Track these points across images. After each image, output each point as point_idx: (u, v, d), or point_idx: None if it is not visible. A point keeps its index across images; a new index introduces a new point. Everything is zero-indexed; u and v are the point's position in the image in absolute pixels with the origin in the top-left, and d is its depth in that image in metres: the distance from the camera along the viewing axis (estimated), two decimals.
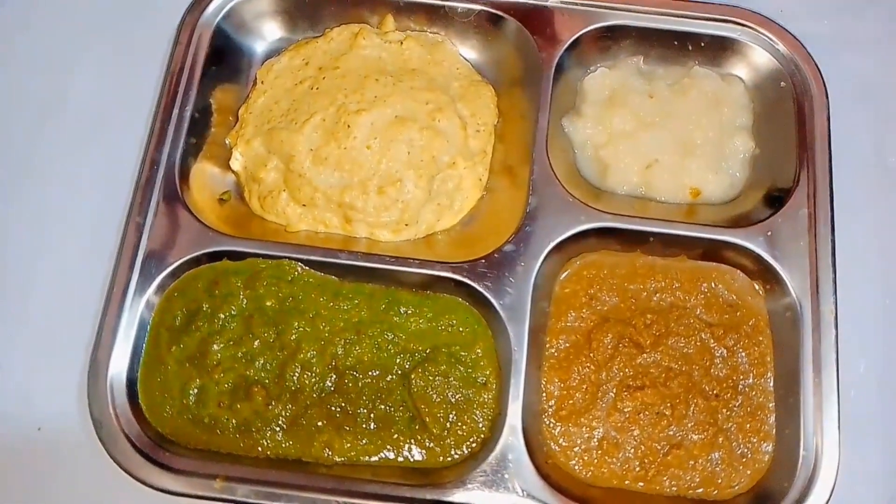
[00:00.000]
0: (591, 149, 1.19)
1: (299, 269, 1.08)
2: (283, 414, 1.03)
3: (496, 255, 1.08)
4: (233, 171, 1.20)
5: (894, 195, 1.21)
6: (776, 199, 1.14)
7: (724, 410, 1.05)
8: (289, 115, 1.18)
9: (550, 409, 1.05)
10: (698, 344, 1.07)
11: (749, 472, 1.03)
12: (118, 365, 1.04)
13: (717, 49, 1.23)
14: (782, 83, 1.20)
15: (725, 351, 1.07)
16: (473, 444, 1.03)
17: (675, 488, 1.03)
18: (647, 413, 1.05)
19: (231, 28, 1.23)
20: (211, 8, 1.21)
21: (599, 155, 1.18)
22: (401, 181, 1.14)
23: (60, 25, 1.30)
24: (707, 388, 1.06)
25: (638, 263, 1.12)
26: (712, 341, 1.08)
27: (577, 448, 1.04)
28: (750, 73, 1.23)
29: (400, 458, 1.03)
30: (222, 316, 1.06)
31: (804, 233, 1.10)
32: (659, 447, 1.04)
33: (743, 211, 1.16)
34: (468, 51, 1.26)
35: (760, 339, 1.08)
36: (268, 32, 1.26)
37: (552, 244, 1.09)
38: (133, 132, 1.18)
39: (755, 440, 1.04)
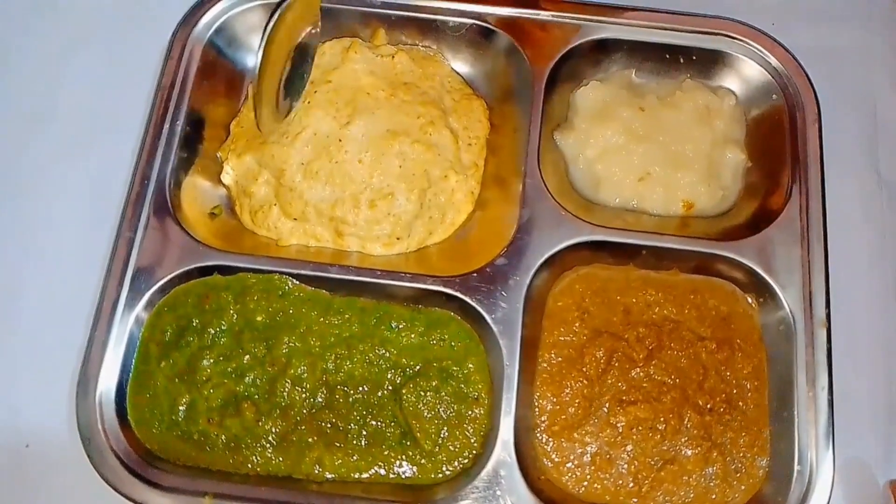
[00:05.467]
0: (583, 162, 1.19)
1: (290, 283, 1.08)
2: (273, 430, 1.02)
3: (488, 269, 1.08)
4: (224, 186, 1.19)
5: (887, 207, 1.21)
6: (769, 212, 1.14)
7: (718, 425, 1.04)
8: (280, 129, 1.18)
9: (543, 425, 1.05)
10: (691, 358, 1.07)
11: (743, 486, 1.03)
12: (107, 381, 1.03)
13: (708, 62, 1.23)
14: (774, 96, 1.20)
15: (719, 365, 1.07)
16: (465, 460, 1.02)
17: None
18: (640, 428, 1.04)
19: (223, 42, 1.23)
20: (203, 22, 1.21)
21: (591, 168, 1.18)
22: (392, 195, 1.13)
23: (51, 38, 1.30)
24: (700, 403, 1.05)
25: (631, 277, 1.12)
26: (705, 355, 1.07)
27: (570, 464, 1.03)
28: (742, 86, 1.23)
29: (391, 475, 1.02)
30: (212, 331, 1.06)
31: (797, 245, 1.10)
32: (652, 462, 1.03)
33: (736, 224, 1.16)
34: (460, 64, 1.26)
35: (754, 352, 1.07)
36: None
37: (544, 258, 1.09)
38: (124, 146, 1.18)
39: (749, 455, 1.03)
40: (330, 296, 1.08)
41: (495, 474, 0.99)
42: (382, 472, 1.02)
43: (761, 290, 1.09)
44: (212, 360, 1.04)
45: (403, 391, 1.03)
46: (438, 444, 1.02)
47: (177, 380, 1.04)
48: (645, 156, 1.17)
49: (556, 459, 1.03)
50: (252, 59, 1.26)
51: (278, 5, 1.06)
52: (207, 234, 1.13)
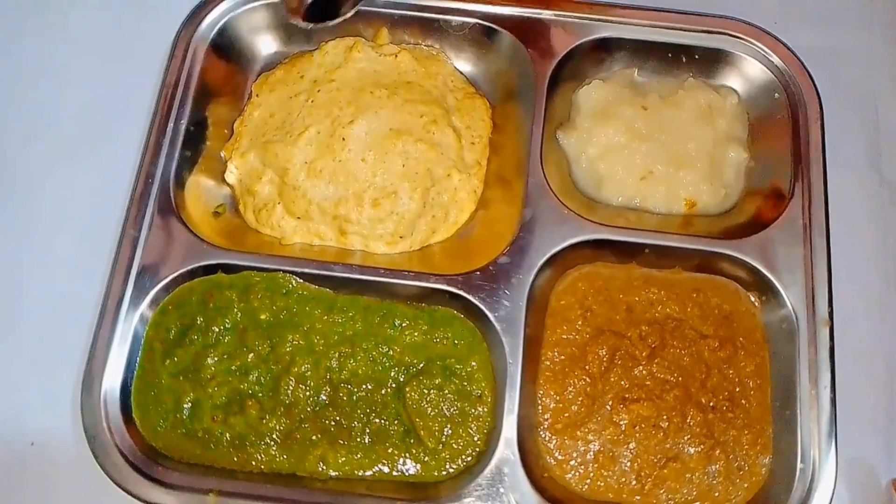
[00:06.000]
0: (585, 161, 1.19)
1: (294, 281, 1.08)
2: (278, 428, 1.03)
3: (491, 268, 1.08)
4: (228, 184, 1.20)
5: (888, 206, 1.21)
6: (771, 211, 1.14)
7: (721, 423, 1.04)
8: (284, 128, 1.18)
9: (546, 422, 1.05)
10: (694, 356, 1.07)
11: (746, 484, 1.03)
12: (112, 379, 1.03)
13: (711, 61, 1.23)
14: (776, 94, 1.20)
15: (721, 363, 1.07)
16: (469, 458, 1.03)
17: (671, 502, 1.02)
18: (643, 426, 1.04)
19: (226, 42, 1.23)
20: (207, 22, 1.22)
21: (594, 167, 1.18)
22: (395, 193, 1.14)
23: (55, 37, 1.30)
24: (703, 401, 1.05)
25: (633, 275, 1.12)
26: (708, 353, 1.07)
27: (573, 461, 1.04)
28: (744, 85, 1.23)
29: (395, 473, 1.02)
30: (216, 329, 1.06)
31: (799, 244, 1.10)
32: (655, 460, 1.03)
33: (738, 222, 1.16)
34: (463, 63, 1.27)
35: (756, 350, 1.08)
36: (263, 46, 1.27)
37: (547, 256, 1.09)
38: (128, 145, 1.18)
39: (752, 453, 1.03)
40: (333, 294, 1.09)
41: (498, 472, 0.99)
42: (386, 469, 1.02)
43: (764, 289, 1.09)
44: (216, 359, 1.05)
45: (407, 389, 1.04)
46: (442, 441, 1.03)
47: (181, 378, 1.04)
48: (647, 154, 1.17)
49: (560, 457, 1.04)
50: (256, 59, 1.26)
51: None
52: (211, 233, 1.13)
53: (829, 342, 1.05)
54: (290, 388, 1.04)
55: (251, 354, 1.05)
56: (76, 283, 1.14)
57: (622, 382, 1.06)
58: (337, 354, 1.05)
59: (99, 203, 1.18)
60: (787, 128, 1.18)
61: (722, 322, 1.09)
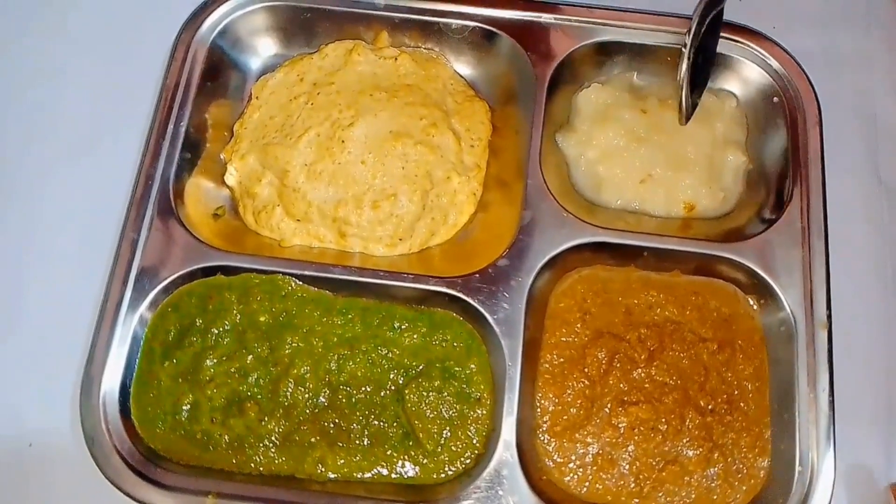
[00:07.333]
0: (584, 164, 1.19)
1: (293, 284, 1.08)
2: (277, 430, 1.03)
3: (490, 270, 1.08)
4: (227, 187, 1.20)
5: (887, 209, 1.21)
6: (770, 214, 1.14)
7: (719, 426, 1.04)
8: (283, 130, 1.18)
9: (545, 425, 1.05)
10: (693, 359, 1.07)
11: (745, 487, 1.03)
12: (111, 380, 1.03)
13: None
14: (775, 98, 1.20)
15: (720, 366, 1.07)
16: (467, 461, 1.03)
17: None
18: (641, 428, 1.04)
19: (227, 44, 1.23)
20: (207, 24, 1.22)
21: (593, 170, 1.19)
22: (395, 196, 1.14)
23: (55, 38, 1.31)
24: (702, 404, 1.05)
25: (632, 278, 1.12)
26: (706, 356, 1.07)
27: (572, 464, 1.04)
28: (743, 89, 1.23)
29: (393, 475, 1.02)
30: (215, 331, 1.06)
31: (798, 247, 1.10)
32: (654, 463, 1.03)
33: (737, 225, 1.16)
34: (462, 66, 1.27)
35: (755, 353, 1.08)
36: (263, 48, 1.27)
37: (546, 259, 1.09)
38: (128, 147, 1.18)
39: (750, 456, 1.03)
40: (333, 296, 1.09)
41: (497, 474, 0.99)
42: (385, 471, 1.02)
43: (762, 292, 1.10)
44: (215, 360, 1.05)
45: (406, 391, 1.04)
46: (440, 444, 1.03)
47: (180, 380, 1.04)
48: (646, 158, 1.17)
49: (558, 460, 1.04)
50: (256, 61, 1.27)
51: None
52: (211, 235, 1.13)
53: (828, 345, 1.05)
54: (289, 390, 1.04)
55: (250, 356, 1.05)
56: (75, 285, 1.14)
57: (621, 385, 1.06)
58: (336, 356, 1.05)
59: (98, 205, 1.18)
60: (785, 131, 1.18)
61: (721, 325, 1.09)
